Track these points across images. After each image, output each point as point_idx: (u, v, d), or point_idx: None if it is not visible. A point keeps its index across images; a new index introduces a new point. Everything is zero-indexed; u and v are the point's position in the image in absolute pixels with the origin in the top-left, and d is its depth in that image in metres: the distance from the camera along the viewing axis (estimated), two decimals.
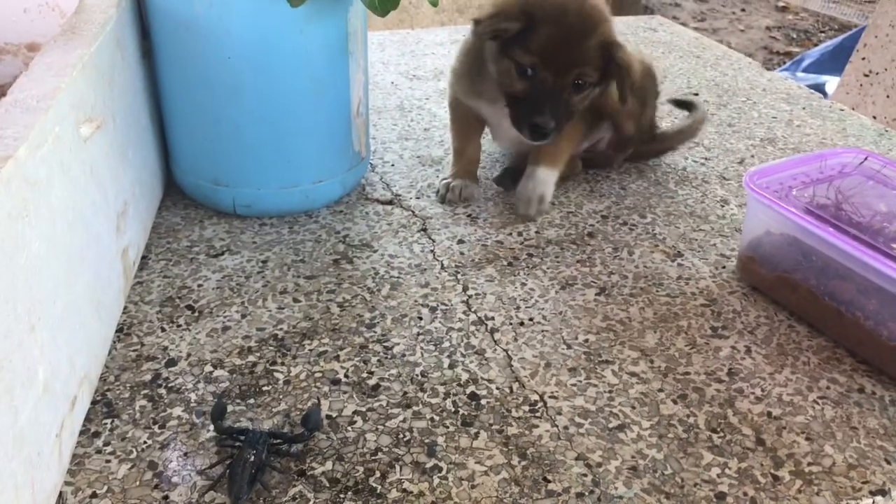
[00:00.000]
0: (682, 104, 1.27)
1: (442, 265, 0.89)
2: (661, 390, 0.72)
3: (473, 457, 0.64)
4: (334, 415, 0.68)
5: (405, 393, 0.70)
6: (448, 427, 0.67)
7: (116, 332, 0.76)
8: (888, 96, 2.22)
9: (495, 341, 0.77)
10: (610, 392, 0.72)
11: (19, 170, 0.53)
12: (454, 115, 1.07)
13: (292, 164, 0.93)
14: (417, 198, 1.03)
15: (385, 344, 0.77)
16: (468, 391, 0.71)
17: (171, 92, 0.92)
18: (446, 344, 0.77)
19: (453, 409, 0.69)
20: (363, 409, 0.68)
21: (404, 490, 0.61)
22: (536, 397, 0.71)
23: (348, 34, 0.90)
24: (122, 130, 0.80)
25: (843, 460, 0.65)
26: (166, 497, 0.59)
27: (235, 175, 0.93)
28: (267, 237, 0.93)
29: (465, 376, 0.73)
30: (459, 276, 0.87)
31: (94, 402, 0.68)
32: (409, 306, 0.82)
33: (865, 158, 0.88)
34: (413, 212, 1.00)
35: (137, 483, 0.60)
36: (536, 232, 0.97)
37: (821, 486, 0.63)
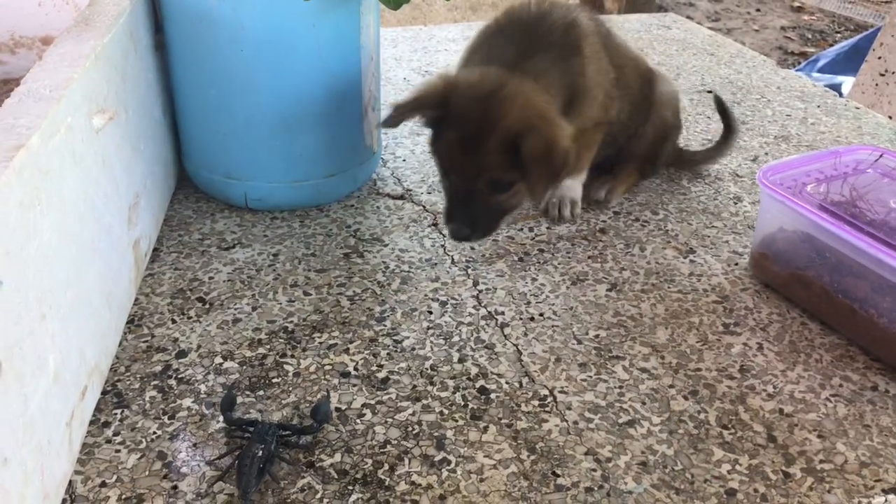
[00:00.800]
0: (722, 111, 1.15)
1: (452, 260, 0.89)
2: (671, 386, 0.72)
3: (482, 450, 0.64)
4: (343, 407, 0.68)
5: (414, 386, 0.70)
6: (457, 420, 0.67)
7: (127, 323, 0.76)
8: None
9: (505, 336, 0.77)
10: (620, 387, 0.71)
11: (31, 159, 0.53)
12: None
13: (304, 159, 0.93)
14: (429, 193, 1.03)
15: (395, 337, 0.76)
16: (478, 385, 0.71)
17: (183, 85, 0.92)
18: (456, 338, 0.77)
19: (462, 403, 0.69)
20: (372, 402, 0.68)
21: (413, 483, 0.61)
22: (546, 392, 0.70)
23: (360, 28, 0.90)
24: (135, 122, 0.81)
25: (855, 458, 0.65)
26: (175, 487, 0.59)
27: (247, 169, 0.93)
28: (278, 231, 0.93)
29: (474, 370, 0.73)
30: (470, 271, 0.87)
31: (104, 392, 0.68)
32: (419, 300, 0.82)
33: (881, 156, 0.87)
34: (424, 207, 1.00)
35: (147, 473, 0.61)
36: (547, 228, 0.97)
37: (832, 483, 0.62)
